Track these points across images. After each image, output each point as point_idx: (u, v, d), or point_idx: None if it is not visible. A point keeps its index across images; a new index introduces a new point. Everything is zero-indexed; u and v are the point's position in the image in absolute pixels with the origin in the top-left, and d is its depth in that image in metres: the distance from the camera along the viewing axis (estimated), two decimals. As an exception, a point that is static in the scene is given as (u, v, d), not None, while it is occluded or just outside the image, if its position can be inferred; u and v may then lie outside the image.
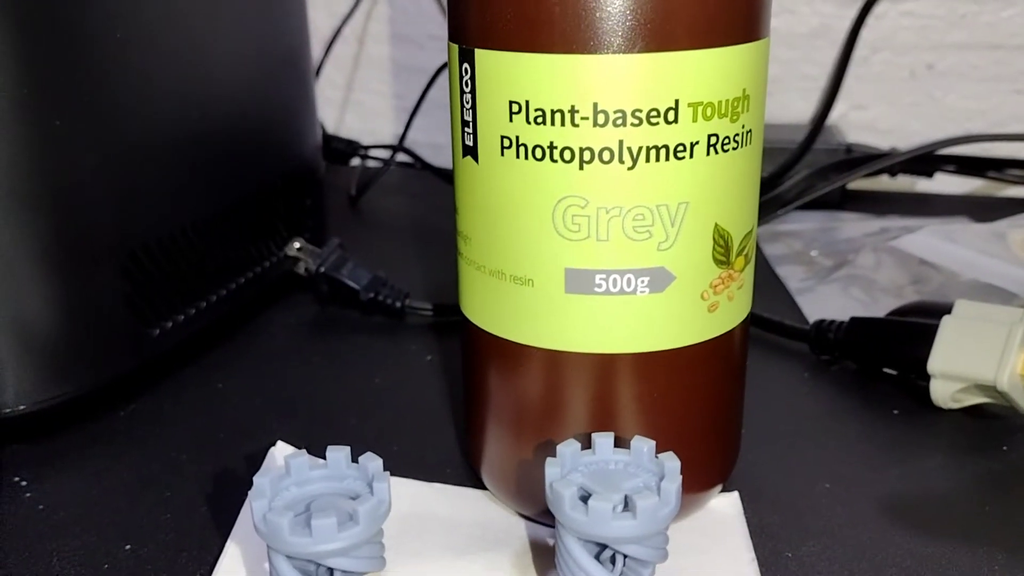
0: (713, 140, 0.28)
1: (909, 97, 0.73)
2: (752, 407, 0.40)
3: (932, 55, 0.72)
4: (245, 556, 0.31)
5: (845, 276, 0.54)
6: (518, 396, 0.31)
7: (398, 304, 0.50)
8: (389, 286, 0.50)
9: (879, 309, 0.48)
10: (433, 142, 0.81)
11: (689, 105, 0.27)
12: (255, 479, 0.24)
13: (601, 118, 0.27)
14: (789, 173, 0.63)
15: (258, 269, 0.50)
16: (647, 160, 0.28)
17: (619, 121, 0.27)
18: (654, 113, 0.27)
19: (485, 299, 0.31)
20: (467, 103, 0.30)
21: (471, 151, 0.30)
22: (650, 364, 0.30)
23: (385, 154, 0.79)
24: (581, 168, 0.28)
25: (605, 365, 0.30)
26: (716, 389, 0.32)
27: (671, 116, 0.27)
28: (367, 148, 0.77)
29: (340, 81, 0.84)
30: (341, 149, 0.74)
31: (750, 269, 0.32)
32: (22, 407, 0.37)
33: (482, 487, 0.35)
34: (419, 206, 0.71)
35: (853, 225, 0.63)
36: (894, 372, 0.43)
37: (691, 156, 0.28)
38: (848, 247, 0.59)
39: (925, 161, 0.67)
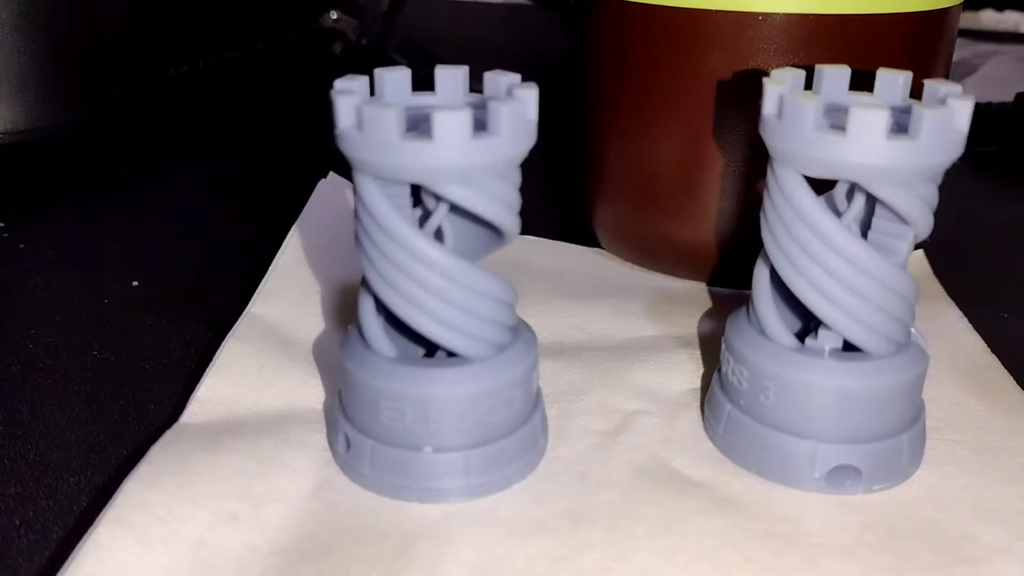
0: None
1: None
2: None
3: None
4: (308, 249, 0.24)
5: (977, 81, 0.46)
6: (669, 92, 0.23)
7: (454, 85, 0.42)
8: (444, 64, 0.42)
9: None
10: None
11: None
12: (336, 82, 0.16)
13: None
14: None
15: (287, 36, 0.41)
16: None
17: None
18: None
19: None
20: None
21: None
22: (860, 33, 0.22)
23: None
24: None
25: (799, 32, 0.22)
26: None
27: None
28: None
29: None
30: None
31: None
32: (-1, 136, 0.29)
33: (595, 245, 0.27)
34: (465, 27, 0.62)
35: (961, 49, 0.55)
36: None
37: None
38: (963, 61, 0.51)
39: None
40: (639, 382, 0.21)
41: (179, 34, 0.34)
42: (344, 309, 0.23)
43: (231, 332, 0.21)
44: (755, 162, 0.23)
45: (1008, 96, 0.40)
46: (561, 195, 0.29)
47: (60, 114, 0.30)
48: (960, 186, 0.34)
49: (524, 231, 0.27)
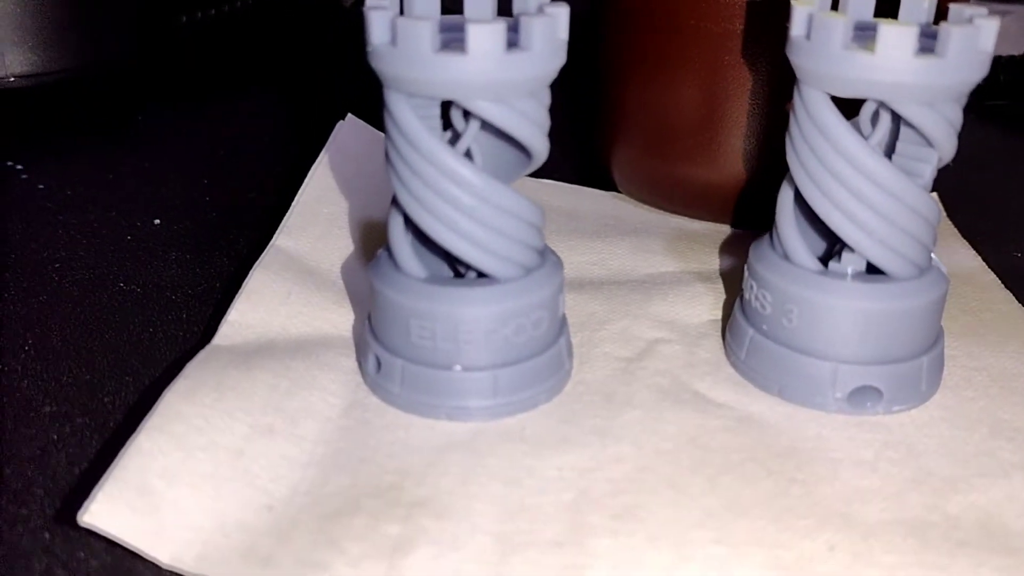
0: None
1: None
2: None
3: None
4: (329, 187, 0.25)
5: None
6: (690, 28, 0.23)
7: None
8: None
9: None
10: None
11: None
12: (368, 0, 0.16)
13: None
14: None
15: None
16: None
17: None
18: None
19: None
20: None
21: None
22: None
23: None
24: None
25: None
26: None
27: None
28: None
29: None
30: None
31: None
32: (13, 79, 0.30)
33: (611, 189, 0.27)
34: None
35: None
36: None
37: None
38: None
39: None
40: (660, 313, 0.21)
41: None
42: (368, 243, 0.23)
43: (258, 262, 0.21)
44: (776, 100, 0.23)
45: (1017, 50, 0.40)
46: (578, 143, 0.29)
47: (75, 59, 0.30)
48: (970, 138, 0.34)
49: (542, 176, 0.28)
